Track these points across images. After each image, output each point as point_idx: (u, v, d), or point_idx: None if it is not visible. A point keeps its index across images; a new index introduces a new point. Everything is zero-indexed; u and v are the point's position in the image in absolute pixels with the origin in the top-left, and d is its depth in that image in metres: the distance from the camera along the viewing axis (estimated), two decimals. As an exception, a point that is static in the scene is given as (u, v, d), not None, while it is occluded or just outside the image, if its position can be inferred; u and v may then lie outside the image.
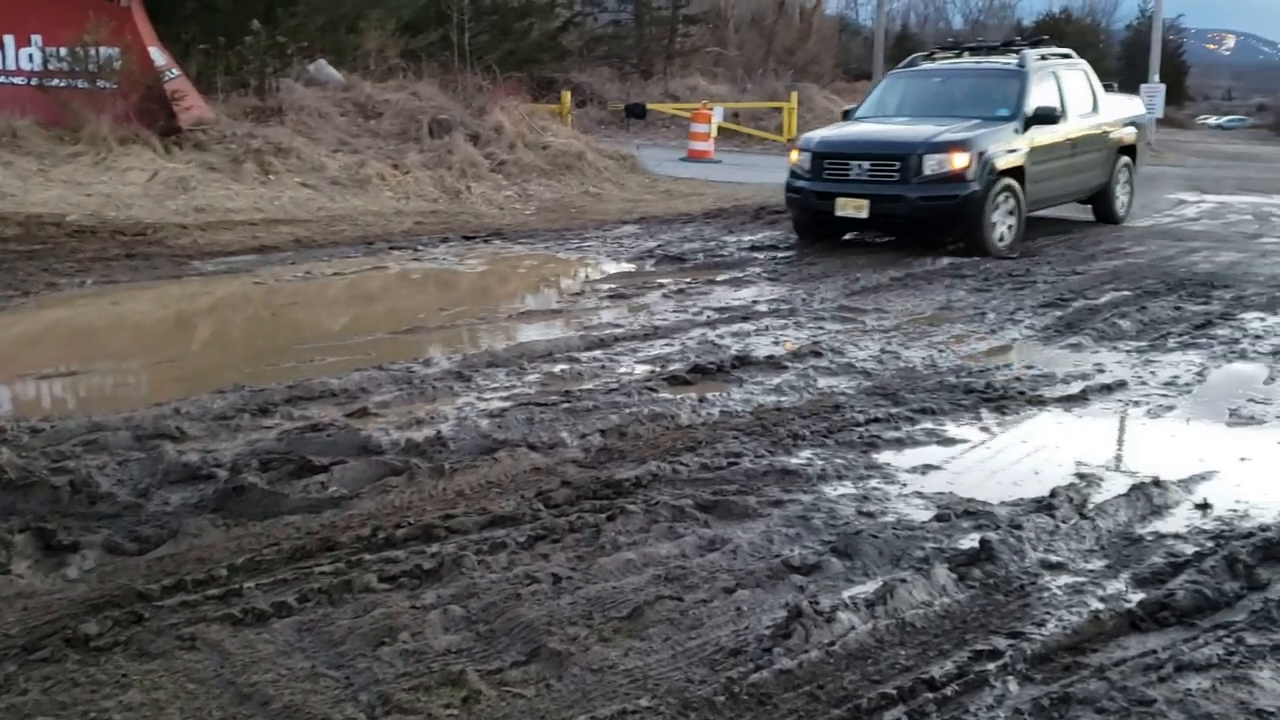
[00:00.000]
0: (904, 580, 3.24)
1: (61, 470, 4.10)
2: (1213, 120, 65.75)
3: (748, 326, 7.07)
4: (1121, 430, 5.06)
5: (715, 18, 37.99)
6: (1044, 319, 7.24)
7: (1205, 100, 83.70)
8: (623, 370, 6.01)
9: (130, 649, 2.89)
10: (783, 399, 5.35)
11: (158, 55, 13.63)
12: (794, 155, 10.67)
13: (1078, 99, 11.27)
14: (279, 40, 15.03)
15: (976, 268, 9.25)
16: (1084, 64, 11.91)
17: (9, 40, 13.10)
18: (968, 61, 11.70)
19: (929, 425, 4.96)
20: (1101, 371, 5.92)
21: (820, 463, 4.41)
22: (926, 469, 4.40)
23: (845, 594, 3.23)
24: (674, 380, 5.74)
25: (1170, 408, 5.32)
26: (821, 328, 7.00)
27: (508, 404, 5.27)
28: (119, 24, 13.09)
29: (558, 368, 6.01)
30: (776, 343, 6.63)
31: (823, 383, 5.65)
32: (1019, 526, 3.67)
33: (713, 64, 34.87)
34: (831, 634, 2.94)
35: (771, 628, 3.00)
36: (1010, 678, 2.76)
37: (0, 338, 6.99)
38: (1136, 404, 5.39)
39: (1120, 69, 59.46)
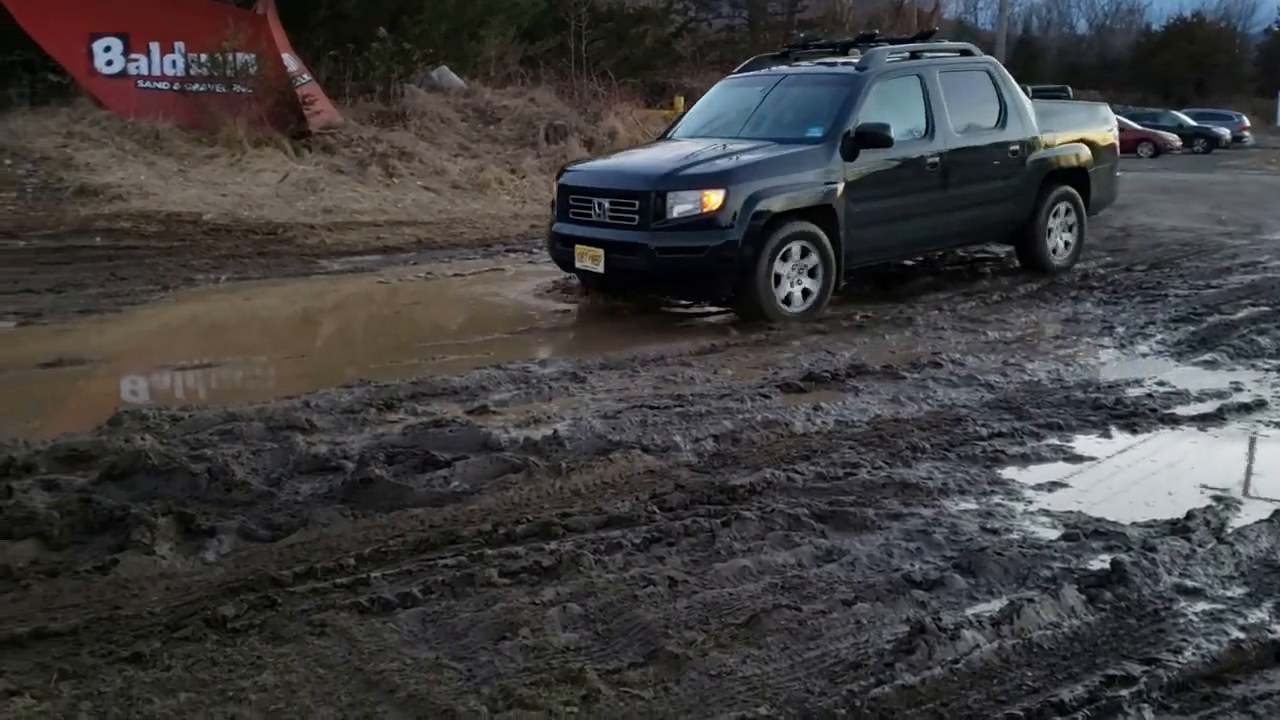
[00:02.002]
0: (1031, 600, 3.16)
1: (200, 458, 4.27)
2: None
3: (863, 338, 6.98)
4: (1261, 452, 4.85)
5: (830, 22, 37.64)
6: (1176, 334, 6.98)
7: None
8: (733, 375, 5.99)
9: (264, 632, 2.99)
10: (901, 410, 5.27)
11: (290, 61, 14.13)
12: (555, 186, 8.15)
13: (965, 110, 8.37)
14: (404, 47, 15.43)
15: (1104, 280, 8.97)
16: (989, 62, 9.04)
17: (154, 47, 13.72)
18: (804, 66, 8.88)
19: (1055, 441, 4.82)
20: (1239, 390, 5.68)
21: (941, 476, 4.33)
22: (1053, 486, 4.28)
23: (969, 611, 3.16)
24: (787, 387, 5.71)
25: (1314, 431, 5.08)
26: (941, 338, 6.88)
27: (621, 406, 5.30)
28: (255, 31, 13.61)
29: (669, 371, 6.03)
30: (893, 351, 6.54)
31: (943, 394, 5.54)
32: (1152, 549, 3.55)
33: (829, 70, 34.49)
34: (955, 651, 2.88)
35: (893, 642, 2.95)
36: (1145, 706, 2.67)
37: (141, 330, 7.33)
38: (1278, 425, 5.15)
39: (1257, 75, 57.11)
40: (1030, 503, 4.10)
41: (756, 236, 7.02)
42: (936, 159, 8.09)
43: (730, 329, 7.16)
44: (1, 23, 13.60)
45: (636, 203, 7.14)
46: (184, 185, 11.83)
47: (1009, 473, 4.44)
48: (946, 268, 9.62)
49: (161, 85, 13.86)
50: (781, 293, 7.26)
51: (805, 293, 7.38)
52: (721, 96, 8.91)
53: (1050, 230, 9.10)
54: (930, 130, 8.11)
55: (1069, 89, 10.52)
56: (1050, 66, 56.05)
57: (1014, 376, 5.90)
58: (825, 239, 7.35)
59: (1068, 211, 9.23)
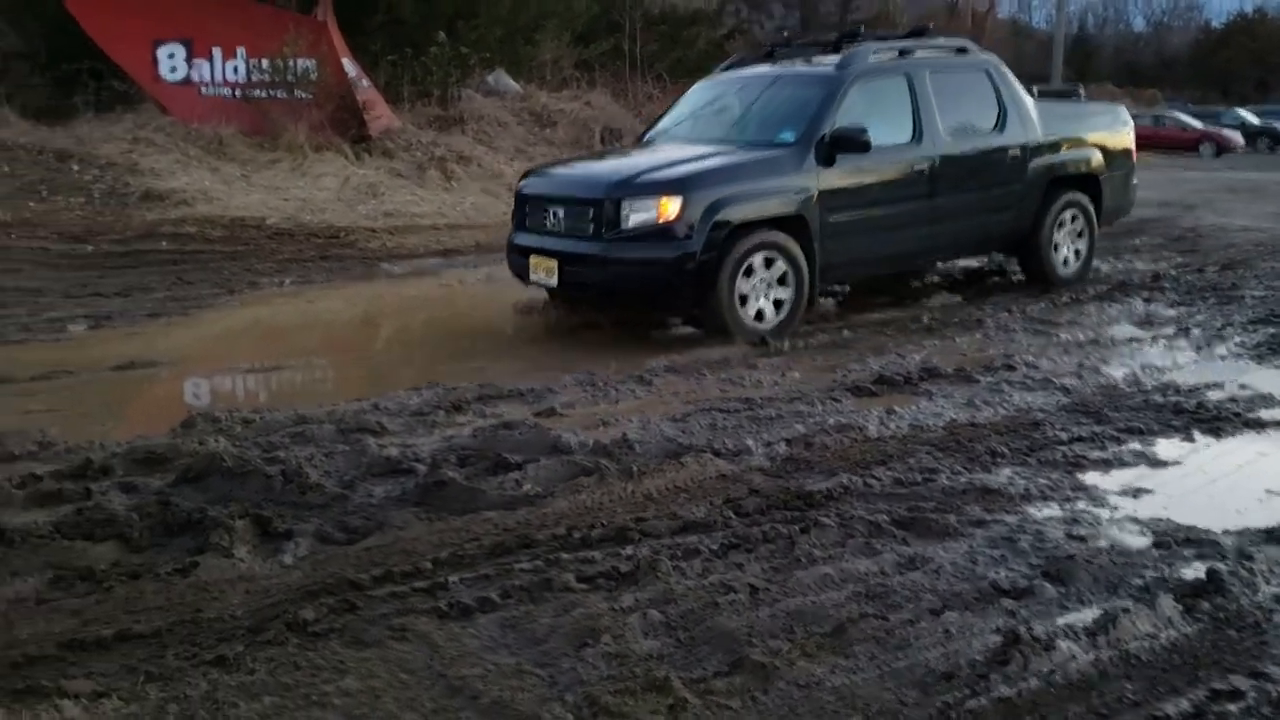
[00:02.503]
0: (1126, 610, 3.06)
1: (274, 460, 4.28)
2: None
3: (933, 340, 6.87)
4: (1354, 458, 4.68)
5: (883, 22, 37.35)
6: (1255, 336, 6.79)
7: None
8: (801, 378, 5.92)
9: (345, 636, 2.98)
10: (976, 414, 5.16)
11: (350, 67, 14.25)
12: None
13: (959, 112, 7.77)
14: (461, 51, 15.51)
15: (1177, 281, 8.76)
16: (987, 61, 8.25)
17: (217, 53, 13.92)
18: (784, 66, 8.13)
19: (1137, 446, 4.69)
20: (1326, 394, 5.50)
21: (1022, 482, 4.23)
22: (1138, 492, 4.16)
23: (1062, 621, 3.07)
24: (858, 390, 5.62)
25: None
26: (1012, 340, 6.74)
27: (689, 409, 5.25)
28: (315, 37, 13.75)
29: (735, 374, 5.96)
30: (964, 354, 6.42)
31: (1018, 398, 5.43)
32: (1249, 557, 3.43)
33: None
34: (1051, 662, 2.80)
35: (985, 653, 2.87)
36: (1254, 721, 2.57)
37: (208, 333, 7.41)
38: (1370, 430, 4.97)
39: (1325, 72, 55.66)
40: (1116, 509, 3.98)
41: (718, 247, 6.50)
42: (925, 165, 7.48)
43: (794, 329, 7.07)
44: (68, 32, 13.87)
45: (591, 211, 6.64)
46: (247, 190, 11.98)
47: (1092, 478, 4.32)
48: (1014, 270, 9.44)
49: (224, 91, 14.05)
50: (750, 308, 6.72)
51: (777, 306, 6.81)
52: (699, 98, 8.28)
53: (1057, 241, 8.41)
54: (918, 134, 7.51)
55: (1080, 89, 9.88)
56: (1106, 64, 55.16)
57: (1090, 379, 5.76)
58: (797, 250, 6.79)
59: (1075, 220, 8.53)
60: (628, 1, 22.93)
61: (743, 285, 6.67)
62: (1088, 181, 8.55)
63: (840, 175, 7.01)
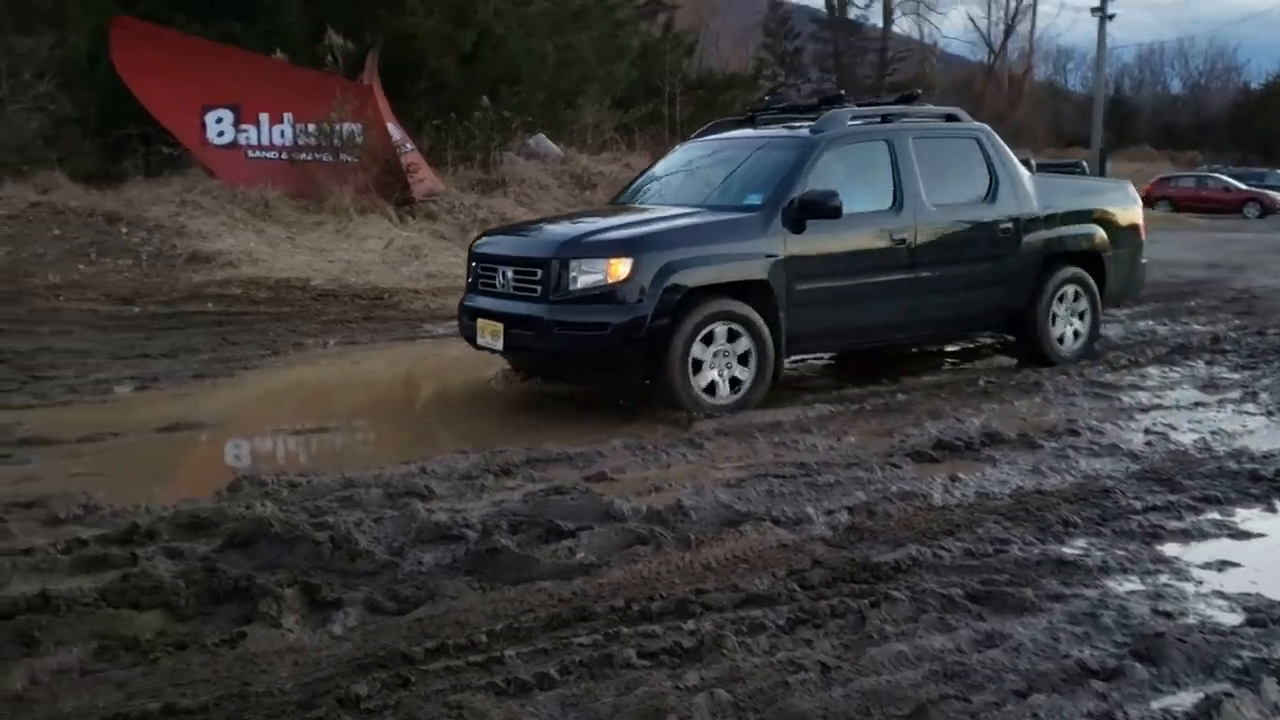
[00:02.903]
0: (1228, 694, 2.86)
1: (322, 525, 4.18)
2: None
3: (990, 404, 6.69)
4: None
5: (920, 84, 37.57)
6: (1326, 401, 6.56)
7: None
8: (858, 443, 5.76)
9: (400, 713, 2.84)
10: (1043, 481, 4.98)
11: (394, 131, 14.42)
12: None
13: (945, 182, 7.32)
14: (504, 116, 15.66)
15: (1237, 343, 8.54)
16: (978, 130, 7.81)
17: (264, 118, 14.13)
18: (761, 130, 7.75)
19: (1216, 516, 4.49)
20: None
21: (1099, 553, 4.04)
22: (1223, 565, 3.96)
23: (1157, 705, 2.88)
24: (918, 456, 5.46)
25: None
26: (1073, 404, 6.56)
27: (743, 474, 5.11)
28: (361, 102, 13.93)
29: (788, 437, 5.82)
30: (1024, 419, 6.25)
31: (1085, 464, 5.24)
32: (1353, 637, 3.22)
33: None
34: (1153, 752, 2.60)
35: (1080, 739, 2.68)
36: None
37: (253, 394, 7.37)
38: None
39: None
40: (1201, 583, 3.78)
41: (671, 313, 6.11)
42: (905, 234, 7.02)
43: (845, 392, 6.92)
44: (120, 98, 14.14)
45: (538, 272, 6.33)
46: (292, 252, 12.05)
47: (1172, 550, 4.12)
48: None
49: (270, 155, 14.23)
50: (704, 380, 6.28)
51: (734, 382, 6.40)
52: (674, 162, 8.05)
53: (1055, 318, 7.83)
54: (898, 202, 7.07)
55: (1084, 164, 9.38)
56: (1144, 127, 55.10)
57: (1159, 445, 5.57)
58: (759, 320, 6.37)
59: (1077, 297, 7.94)
60: (667, 66, 23.23)
61: (699, 355, 6.26)
62: (1090, 258, 8.01)
63: (810, 242, 6.62)
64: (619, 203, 8.01)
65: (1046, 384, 7.09)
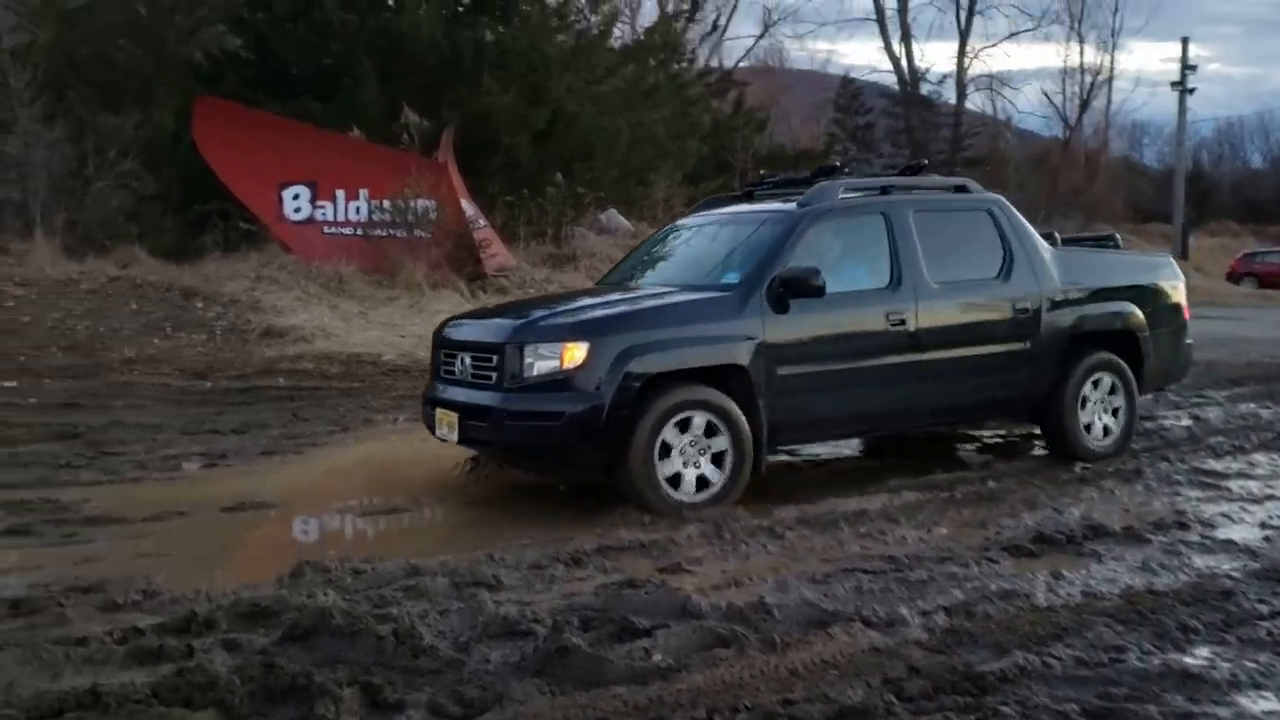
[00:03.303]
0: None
1: (385, 618, 3.97)
2: None
3: (1089, 491, 6.32)
4: None
5: (994, 159, 37.24)
6: None
7: None
8: (949, 535, 5.44)
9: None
10: (1155, 580, 4.61)
11: (468, 207, 14.53)
12: None
13: (952, 258, 6.78)
14: (577, 192, 15.72)
15: (1349, 429, 8.05)
16: (991, 201, 7.18)
17: (340, 194, 14.34)
18: (753, 205, 7.28)
19: (1355, 623, 4.09)
20: None
21: (1226, 664, 3.67)
22: (1372, 682, 3.57)
23: None
24: (1015, 550, 5.12)
25: None
26: (1178, 493, 6.16)
27: (829, 568, 4.81)
28: (436, 179, 14.07)
29: (874, 527, 5.51)
30: (1127, 509, 5.87)
31: (1200, 561, 4.86)
32: None
33: (992, 208, 33.93)
34: None
35: None
36: None
37: (320, 471, 7.25)
38: None
39: None
40: (1351, 704, 3.40)
41: (632, 402, 5.64)
42: (904, 314, 6.46)
43: (933, 478, 6.59)
44: (200, 176, 14.47)
45: (494, 358, 5.91)
46: (365, 327, 12.08)
47: (1310, 663, 3.73)
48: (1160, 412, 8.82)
49: (345, 231, 14.40)
50: (678, 475, 5.79)
51: (704, 480, 5.87)
52: (663, 240, 7.63)
53: (1084, 406, 7.10)
54: (895, 279, 6.53)
55: (1117, 236, 8.53)
56: (1225, 201, 53.96)
57: (1279, 542, 5.16)
58: (735, 408, 5.86)
59: (1113, 388, 7.20)
60: (738, 142, 23.29)
61: (671, 445, 5.76)
62: (1123, 340, 7.29)
63: (794, 324, 6.12)
64: (605, 282, 7.53)
65: (1147, 471, 6.71)
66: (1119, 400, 7.24)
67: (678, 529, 5.39)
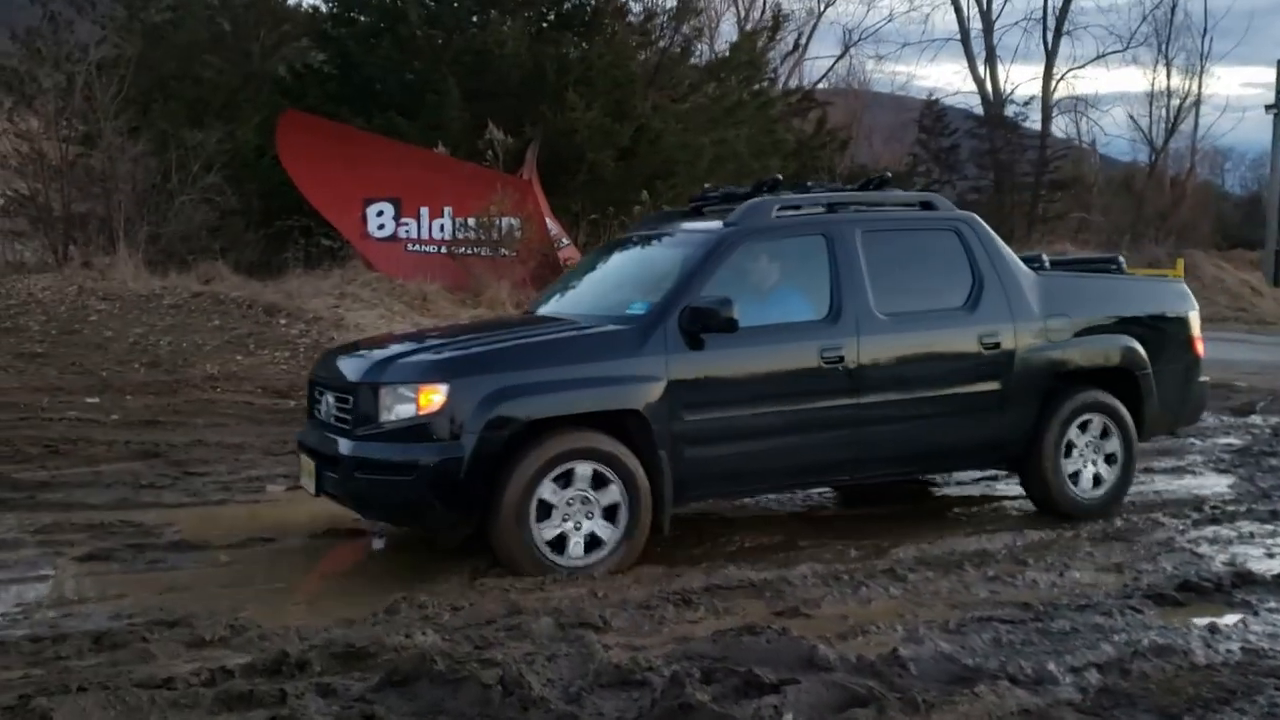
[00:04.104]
0: None
1: (489, 662, 3.68)
2: None
3: (1223, 530, 5.85)
4: None
5: (1078, 183, 36.27)
6: None
7: None
8: (1084, 578, 5.02)
9: None
10: (1325, 637, 4.16)
11: (551, 225, 14.36)
12: None
13: (907, 285, 5.92)
14: (663, 209, 15.44)
15: None
16: (961, 219, 6.24)
17: (424, 212, 14.24)
18: (699, 222, 6.30)
19: None
20: None
21: None
22: None
23: None
24: (1160, 599, 4.69)
25: None
26: (1332, 539, 5.66)
27: (960, 616, 4.43)
28: (521, 196, 13.93)
29: (1002, 570, 5.11)
30: (1271, 554, 5.40)
31: (1376, 618, 4.38)
32: None
33: (1074, 230, 33.06)
34: None
35: None
36: None
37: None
38: None
39: None
40: None
41: (498, 454, 4.86)
42: (843, 351, 5.56)
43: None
44: (283, 191, 14.46)
45: (350, 399, 5.15)
46: (446, 345, 11.89)
47: None
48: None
49: (429, 248, 14.30)
50: (553, 534, 4.97)
51: (592, 541, 5.05)
52: (593, 263, 6.84)
53: (1070, 454, 6.15)
54: (834, 311, 5.63)
55: (1121, 259, 7.21)
56: (1322, 226, 52.14)
57: None
58: (628, 458, 5.06)
59: (1105, 432, 6.24)
60: (820, 162, 22.88)
61: (550, 503, 4.96)
62: (1119, 379, 6.33)
63: (708, 362, 5.28)
64: (531, 312, 6.56)
65: (1289, 510, 6.19)
66: (1113, 446, 6.27)
67: (789, 568, 5.05)
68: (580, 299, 6.15)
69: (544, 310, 6.30)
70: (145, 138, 14.29)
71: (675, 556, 5.33)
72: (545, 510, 4.95)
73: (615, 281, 6.14)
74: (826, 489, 6.61)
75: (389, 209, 14.25)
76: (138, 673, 3.62)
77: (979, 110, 35.38)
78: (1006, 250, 6.24)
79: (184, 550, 5.33)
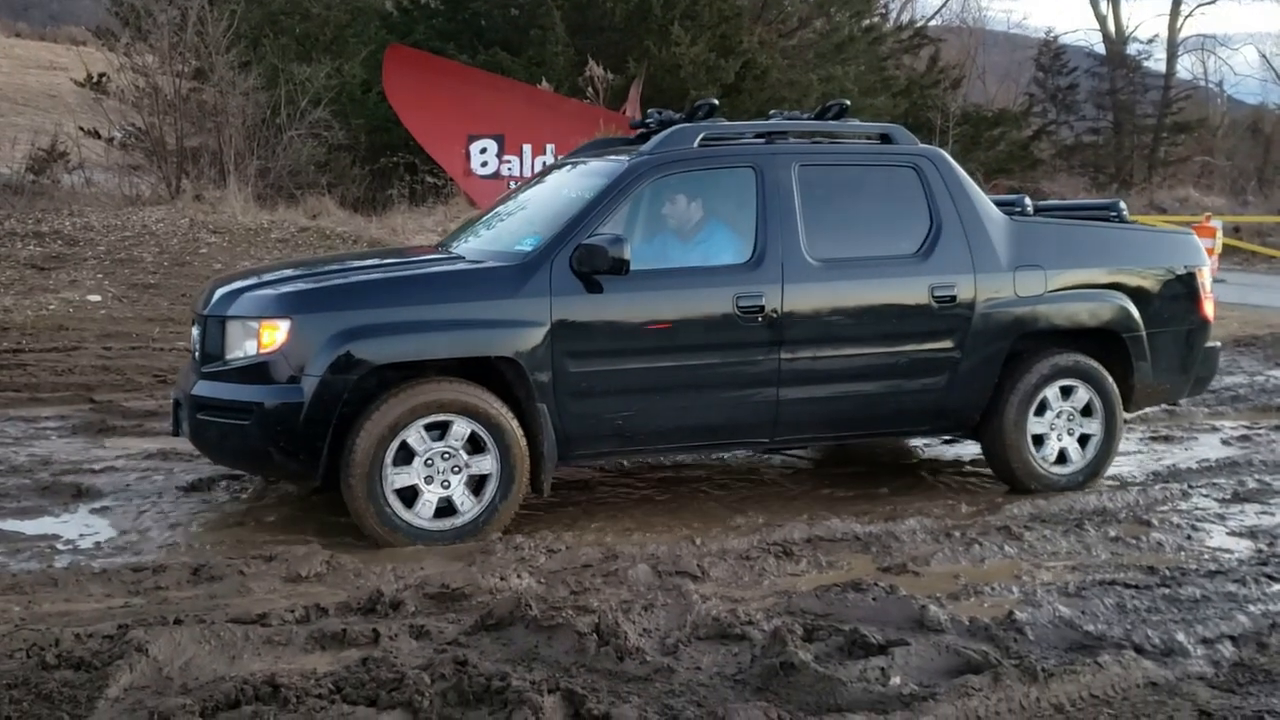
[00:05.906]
0: None
1: (584, 609, 3.58)
2: None
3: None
4: None
5: (1203, 125, 34.49)
6: None
7: None
8: (1213, 543, 4.71)
9: None
10: None
11: (653, 162, 14.06)
12: None
13: (849, 227, 5.27)
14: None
15: None
16: (923, 154, 5.42)
17: (527, 149, 14.14)
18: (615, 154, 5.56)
19: None
20: None
21: None
22: None
23: None
24: (1293, 566, 4.36)
25: None
26: None
27: (1080, 579, 4.18)
28: (623, 133, 13.64)
29: (1125, 530, 4.83)
30: None
31: None
32: None
33: (1196, 174, 31.47)
34: None
35: None
36: None
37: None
38: None
39: None
40: None
41: (348, 399, 4.37)
42: (763, 299, 4.92)
43: (1176, 464, 5.80)
44: (388, 128, 14.48)
45: (201, 334, 4.77)
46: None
47: None
48: None
49: (532, 185, 14.19)
50: (419, 496, 4.48)
51: (449, 505, 4.52)
52: (516, 194, 6.16)
53: (1039, 426, 5.44)
54: (757, 254, 5.00)
55: (1122, 205, 6.21)
56: None
57: None
58: (503, 415, 4.52)
59: (1075, 397, 5.50)
60: (932, 100, 22.13)
61: (405, 463, 4.44)
62: (1102, 341, 5.59)
63: (600, 307, 4.72)
64: (443, 246, 5.78)
65: None
66: (1093, 418, 5.54)
67: (896, 521, 4.85)
68: (484, 233, 5.58)
69: (454, 245, 5.61)
70: (255, 72, 14.45)
71: (774, 505, 5.16)
72: (407, 458, 4.45)
73: (523, 216, 5.53)
74: (930, 439, 6.31)
75: (492, 146, 14.20)
76: (234, 607, 3.62)
77: (1099, 49, 33.78)
78: (976, 192, 5.50)
79: (282, 484, 5.33)
